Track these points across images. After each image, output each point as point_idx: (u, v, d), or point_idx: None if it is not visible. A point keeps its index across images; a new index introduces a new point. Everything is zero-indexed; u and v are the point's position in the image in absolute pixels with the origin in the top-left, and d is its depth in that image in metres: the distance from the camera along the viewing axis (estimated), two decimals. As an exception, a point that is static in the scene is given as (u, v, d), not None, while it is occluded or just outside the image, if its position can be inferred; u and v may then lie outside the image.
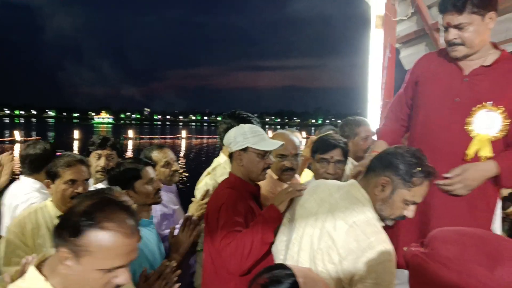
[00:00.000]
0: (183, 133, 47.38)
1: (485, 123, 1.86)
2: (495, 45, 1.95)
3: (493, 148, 1.87)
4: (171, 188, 2.80)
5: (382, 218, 1.63)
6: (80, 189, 2.17)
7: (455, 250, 0.77)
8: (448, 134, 1.93)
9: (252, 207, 2.04)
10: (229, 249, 1.81)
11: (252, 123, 2.40)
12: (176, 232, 2.25)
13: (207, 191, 2.43)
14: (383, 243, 1.51)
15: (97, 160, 2.87)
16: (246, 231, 1.83)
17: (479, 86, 1.90)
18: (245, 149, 2.02)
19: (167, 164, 2.75)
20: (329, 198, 1.68)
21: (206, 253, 2.02)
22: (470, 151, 1.88)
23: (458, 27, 1.84)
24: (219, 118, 2.56)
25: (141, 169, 2.15)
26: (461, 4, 1.79)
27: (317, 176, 2.30)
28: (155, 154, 2.75)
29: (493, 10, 1.83)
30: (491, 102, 1.86)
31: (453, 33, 1.86)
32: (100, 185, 2.72)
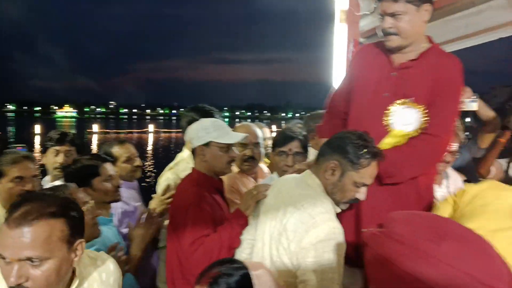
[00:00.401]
0: (151, 127, 46.57)
1: (403, 119, 1.84)
2: (430, 39, 1.95)
3: None
4: (132, 185, 2.74)
5: (336, 203, 1.66)
6: (28, 186, 2.07)
7: (409, 228, 0.88)
8: (376, 130, 1.87)
9: (219, 202, 2.03)
10: (197, 255, 1.80)
11: (214, 116, 2.38)
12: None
13: (168, 186, 2.39)
14: (327, 222, 1.53)
15: (55, 157, 2.76)
16: (213, 237, 1.82)
17: (405, 80, 1.88)
18: (207, 144, 1.99)
19: (129, 160, 2.68)
20: (285, 188, 1.72)
21: (171, 252, 1.98)
22: (381, 146, 1.83)
23: (393, 15, 1.82)
24: (188, 112, 2.53)
25: (99, 166, 2.09)
26: None
27: (278, 169, 2.31)
28: (116, 150, 2.66)
29: (429, 2, 1.83)
30: (413, 98, 1.84)
31: (388, 22, 1.84)
32: (58, 183, 2.62)
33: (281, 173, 2.23)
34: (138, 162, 2.74)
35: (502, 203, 1.66)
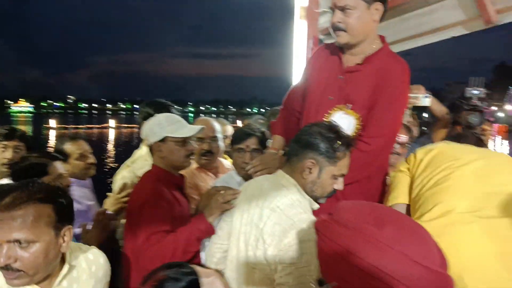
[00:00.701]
0: (112, 122, 45.34)
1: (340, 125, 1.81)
2: (382, 40, 1.93)
3: None
4: (85, 183, 2.64)
5: (315, 199, 1.63)
6: None
7: (354, 215, 0.98)
8: None
9: (178, 198, 1.98)
10: (151, 252, 1.76)
11: (170, 111, 2.34)
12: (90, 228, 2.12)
13: (125, 184, 2.32)
14: (305, 223, 1.48)
15: (3, 152, 2.63)
16: (170, 238, 1.77)
17: (349, 85, 1.87)
18: (163, 140, 1.96)
19: (82, 157, 2.59)
20: (258, 192, 1.65)
21: (127, 250, 1.92)
22: None
23: (343, 9, 1.81)
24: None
25: (48, 164, 1.99)
26: None
27: (236, 166, 2.30)
28: (68, 146, 2.57)
29: (380, 1, 1.83)
30: (350, 105, 1.84)
31: (338, 16, 1.83)
32: (6, 180, 2.49)
33: (240, 170, 2.21)
34: (91, 159, 2.65)
35: (463, 179, 1.68)
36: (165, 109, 2.37)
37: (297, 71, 3.38)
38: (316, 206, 1.63)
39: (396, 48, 3.22)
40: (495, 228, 1.53)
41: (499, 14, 2.75)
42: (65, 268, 1.38)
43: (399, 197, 1.89)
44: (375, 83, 1.82)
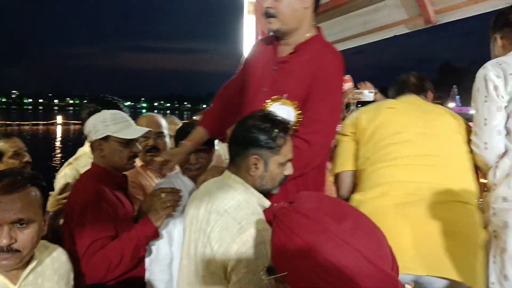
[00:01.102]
0: (59, 119, 43.28)
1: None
2: (318, 30, 1.90)
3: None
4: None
5: (268, 191, 1.59)
6: None
7: (315, 205, 0.97)
8: None
9: (121, 199, 1.90)
10: (96, 258, 1.68)
11: (118, 107, 2.23)
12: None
13: (67, 184, 2.21)
14: (255, 225, 1.41)
15: None
16: (116, 245, 1.71)
17: (282, 76, 1.81)
18: (105, 138, 1.86)
19: (16, 155, 2.43)
20: (206, 196, 1.59)
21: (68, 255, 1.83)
22: None
23: None
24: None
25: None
26: None
27: (181, 166, 2.21)
28: (1, 144, 2.41)
29: None
30: (286, 95, 1.76)
31: (268, 1, 1.77)
32: None
33: (184, 170, 2.09)
34: (27, 157, 2.49)
35: (403, 161, 1.80)
36: (113, 105, 2.23)
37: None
38: (267, 203, 1.58)
39: (341, 46, 3.30)
40: (430, 212, 1.66)
41: (437, 14, 2.90)
42: (34, 262, 1.41)
43: (345, 165, 1.98)
44: (308, 72, 1.77)
